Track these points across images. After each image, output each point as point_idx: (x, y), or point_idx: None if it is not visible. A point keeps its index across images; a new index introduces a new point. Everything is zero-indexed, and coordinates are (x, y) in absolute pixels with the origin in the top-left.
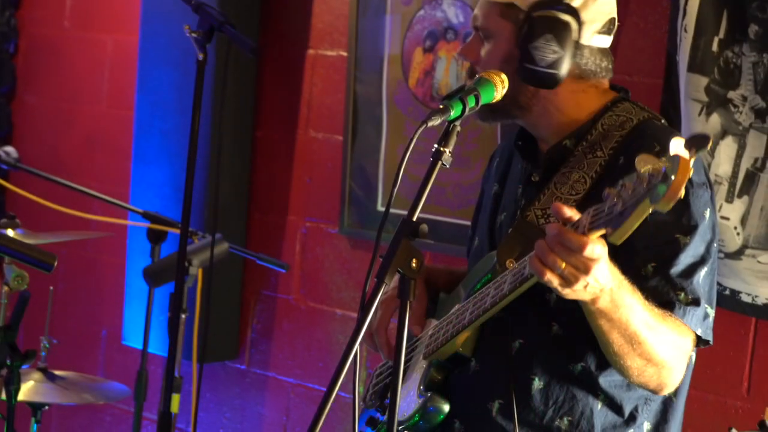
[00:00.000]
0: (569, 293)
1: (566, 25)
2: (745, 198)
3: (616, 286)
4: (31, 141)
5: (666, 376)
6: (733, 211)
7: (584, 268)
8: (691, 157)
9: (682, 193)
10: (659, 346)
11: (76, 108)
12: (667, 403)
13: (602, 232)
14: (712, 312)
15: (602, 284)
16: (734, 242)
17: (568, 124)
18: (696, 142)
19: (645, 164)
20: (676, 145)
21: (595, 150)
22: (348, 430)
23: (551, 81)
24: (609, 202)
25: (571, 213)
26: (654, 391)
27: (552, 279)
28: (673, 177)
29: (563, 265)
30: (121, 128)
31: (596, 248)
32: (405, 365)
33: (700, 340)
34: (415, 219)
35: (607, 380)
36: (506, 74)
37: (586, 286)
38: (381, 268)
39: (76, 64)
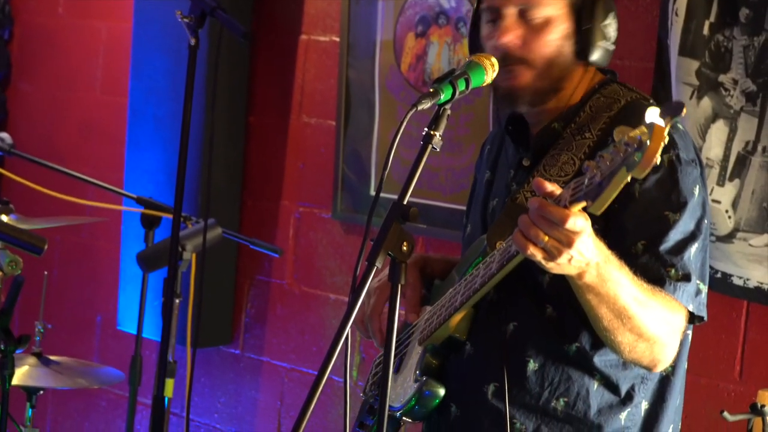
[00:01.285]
0: (554, 267)
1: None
2: (737, 181)
3: (603, 260)
4: (25, 127)
5: (658, 351)
6: (725, 194)
7: (567, 241)
8: (666, 124)
9: (657, 159)
10: (649, 321)
11: (71, 95)
12: (664, 382)
13: (583, 204)
14: (704, 288)
15: (587, 258)
16: (726, 225)
17: (558, 105)
18: (670, 110)
19: (621, 134)
20: (652, 114)
21: (583, 132)
22: (341, 414)
23: (609, 57)
24: (588, 174)
25: (553, 188)
26: (648, 368)
27: (535, 253)
28: (647, 144)
29: (546, 238)
30: (115, 114)
31: (578, 221)
32: (401, 353)
33: (693, 317)
34: (405, 202)
35: (602, 360)
36: (563, 53)
37: (570, 260)
38: (371, 252)
39: (70, 51)
